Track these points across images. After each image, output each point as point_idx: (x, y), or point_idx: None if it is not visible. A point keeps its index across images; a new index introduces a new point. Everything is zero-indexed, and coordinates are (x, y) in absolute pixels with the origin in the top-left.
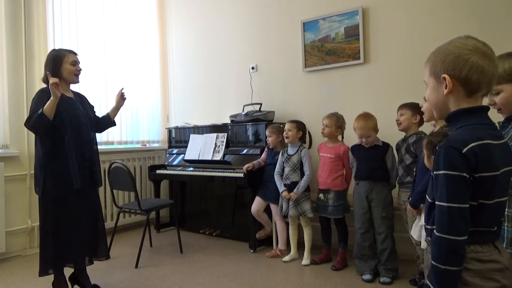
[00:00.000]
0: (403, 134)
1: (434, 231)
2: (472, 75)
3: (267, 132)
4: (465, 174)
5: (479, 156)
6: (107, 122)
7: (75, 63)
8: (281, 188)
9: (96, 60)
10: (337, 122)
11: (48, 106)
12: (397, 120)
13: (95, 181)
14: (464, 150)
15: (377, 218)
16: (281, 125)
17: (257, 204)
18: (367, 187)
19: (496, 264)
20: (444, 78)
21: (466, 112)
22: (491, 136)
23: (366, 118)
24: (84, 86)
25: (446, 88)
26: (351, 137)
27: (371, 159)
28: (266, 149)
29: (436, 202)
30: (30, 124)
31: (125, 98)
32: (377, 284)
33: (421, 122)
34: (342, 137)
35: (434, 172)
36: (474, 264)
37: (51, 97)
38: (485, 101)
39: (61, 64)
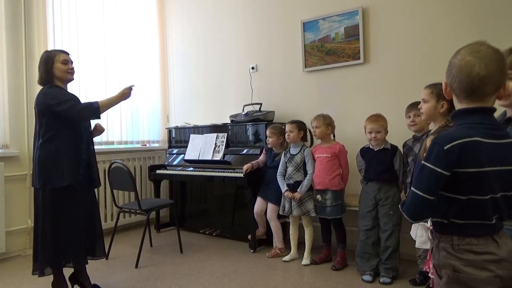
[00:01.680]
0: (404, 133)
1: (403, 208)
2: (453, 84)
3: (267, 133)
4: (439, 170)
5: (462, 152)
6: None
7: (66, 61)
8: (283, 188)
9: (96, 60)
10: (325, 121)
11: (107, 105)
12: (412, 121)
13: (93, 181)
14: (447, 146)
15: (383, 215)
16: (283, 126)
17: (259, 204)
18: (375, 187)
19: (491, 255)
20: (446, 83)
21: (464, 112)
22: (486, 135)
23: (378, 116)
24: (84, 86)
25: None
26: (347, 137)
27: (380, 162)
28: (264, 150)
29: (412, 187)
30: (79, 110)
31: (103, 131)
32: (377, 284)
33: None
34: (334, 136)
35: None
36: (467, 255)
37: (118, 96)
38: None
39: (53, 64)
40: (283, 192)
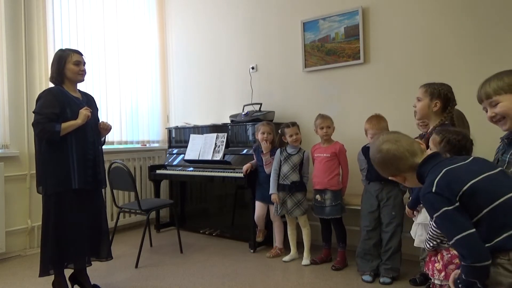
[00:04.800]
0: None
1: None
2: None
3: (267, 129)
4: (449, 208)
5: (448, 180)
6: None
7: (79, 63)
8: (273, 189)
9: (96, 60)
10: (331, 121)
11: (68, 128)
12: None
13: (99, 182)
14: (434, 189)
15: (386, 216)
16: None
17: (260, 209)
18: (378, 187)
19: None
20: None
21: (427, 161)
22: (453, 164)
23: (379, 118)
24: (84, 86)
25: None
26: (346, 137)
27: None
28: (253, 151)
29: (451, 242)
30: (39, 130)
31: (110, 128)
32: (377, 284)
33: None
34: None
35: None
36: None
37: (76, 120)
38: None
39: (65, 64)
40: (270, 192)
